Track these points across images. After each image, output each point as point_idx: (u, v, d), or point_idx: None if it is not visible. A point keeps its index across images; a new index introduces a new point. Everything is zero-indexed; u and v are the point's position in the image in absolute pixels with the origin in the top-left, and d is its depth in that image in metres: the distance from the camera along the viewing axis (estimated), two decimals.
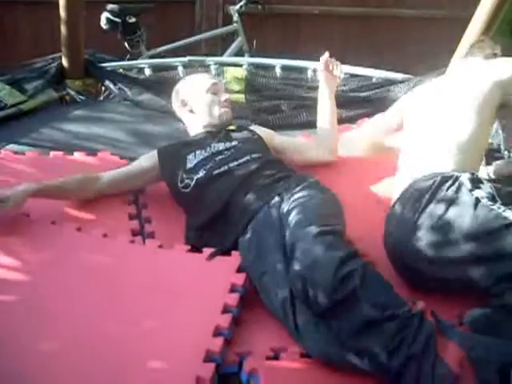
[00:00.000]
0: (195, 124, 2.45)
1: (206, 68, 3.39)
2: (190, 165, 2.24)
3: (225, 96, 2.47)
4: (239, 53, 4.46)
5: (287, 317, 1.69)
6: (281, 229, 1.86)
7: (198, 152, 2.27)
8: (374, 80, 3.28)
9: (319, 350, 1.63)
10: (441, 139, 2.11)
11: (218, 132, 2.38)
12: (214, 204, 2.10)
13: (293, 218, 1.82)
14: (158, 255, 1.99)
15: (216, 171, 2.17)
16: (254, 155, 2.23)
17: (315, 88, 2.75)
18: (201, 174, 2.18)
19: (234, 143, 2.31)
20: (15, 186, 2.10)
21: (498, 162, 2.61)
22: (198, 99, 2.45)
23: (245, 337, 1.72)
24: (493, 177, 2.51)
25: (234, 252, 1.94)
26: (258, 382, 1.56)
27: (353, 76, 3.34)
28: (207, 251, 1.96)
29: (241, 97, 3.23)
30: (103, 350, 1.63)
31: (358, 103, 3.18)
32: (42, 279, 1.86)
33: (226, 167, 2.18)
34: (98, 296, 1.81)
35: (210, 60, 3.46)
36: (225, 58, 4.00)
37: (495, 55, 2.40)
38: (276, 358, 1.66)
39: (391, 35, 5.09)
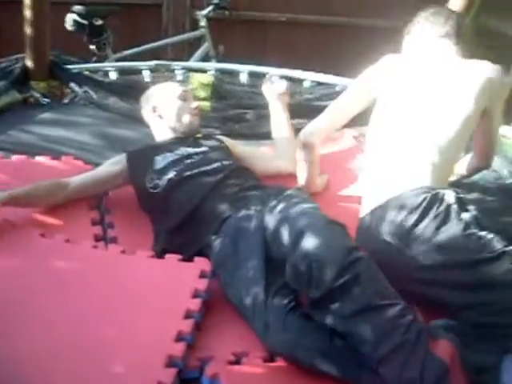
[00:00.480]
0: (164, 130, 2.47)
1: (172, 73, 3.39)
2: (158, 166, 2.25)
3: (194, 104, 2.51)
4: (206, 58, 4.48)
5: (257, 315, 1.71)
6: (261, 231, 1.87)
7: (167, 154, 2.28)
8: (337, 88, 3.31)
9: (288, 350, 1.65)
10: (423, 138, 2.03)
11: (186, 138, 2.40)
12: (184, 207, 2.11)
13: (293, 215, 1.81)
14: (121, 261, 1.99)
15: (187, 173, 2.19)
16: (224, 162, 2.27)
17: None
18: (171, 174, 2.20)
19: (203, 149, 2.34)
20: None
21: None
22: (168, 105, 2.47)
23: (207, 342, 1.73)
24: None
25: (196, 258, 1.95)
26: None
27: (318, 84, 3.37)
28: (170, 257, 1.97)
29: (206, 104, 3.20)
30: (64, 354, 1.62)
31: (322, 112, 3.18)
32: (4, 284, 1.85)
33: (196, 170, 2.20)
34: (60, 301, 1.80)
35: (177, 65, 3.46)
36: (191, 63, 4.00)
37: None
38: (238, 362, 1.68)
39: (356, 44, 5.16)
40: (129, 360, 1.60)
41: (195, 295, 1.80)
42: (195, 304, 1.77)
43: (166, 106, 2.48)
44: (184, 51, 4.79)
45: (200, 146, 2.36)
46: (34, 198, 2.24)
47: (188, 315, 1.73)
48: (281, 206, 1.87)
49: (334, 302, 1.62)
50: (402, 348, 1.55)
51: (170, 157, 2.27)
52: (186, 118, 2.45)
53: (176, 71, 3.39)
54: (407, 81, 2.17)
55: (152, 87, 2.67)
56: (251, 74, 3.44)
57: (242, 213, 1.99)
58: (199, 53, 4.53)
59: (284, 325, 1.67)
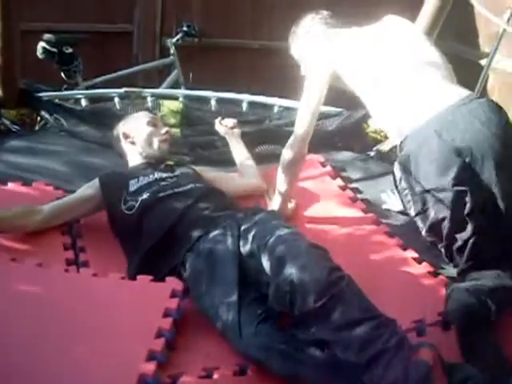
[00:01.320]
0: (135, 155, 2.54)
1: (142, 99, 3.43)
2: (132, 188, 2.31)
3: (164, 129, 2.60)
4: (176, 85, 4.52)
5: (230, 322, 1.77)
6: (235, 249, 1.94)
7: (140, 178, 2.35)
8: None
9: (261, 355, 1.70)
10: (420, 67, 2.18)
11: (157, 164, 2.47)
12: (158, 229, 2.16)
13: (272, 242, 1.85)
14: (93, 283, 2.01)
15: (161, 194, 2.25)
16: (197, 184, 2.35)
17: (250, 122, 2.83)
18: (145, 195, 2.25)
19: (176, 173, 2.41)
20: None
21: None
22: (139, 131, 2.56)
23: (178, 360, 1.75)
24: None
25: (168, 278, 1.98)
26: None
27: (287, 109, 3.42)
28: (141, 278, 2.00)
29: (176, 131, 3.25)
30: (36, 377, 1.63)
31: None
32: None
33: (170, 191, 2.26)
34: (32, 324, 1.80)
35: (147, 92, 3.50)
36: (161, 90, 4.06)
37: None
38: (209, 377, 1.70)
39: None
40: (101, 379, 1.62)
41: (166, 314, 1.82)
42: (166, 323, 1.79)
43: (137, 132, 2.56)
44: (154, 78, 4.84)
45: (172, 171, 2.43)
46: (4, 222, 2.25)
47: (159, 334, 1.75)
48: (256, 230, 1.95)
49: (317, 320, 1.68)
50: (385, 353, 1.59)
51: (143, 180, 2.33)
52: (156, 143, 2.52)
53: (147, 98, 3.43)
54: (372, 37, 2.34)
55: (124, 117, 2.75)
56: (220, 101, 3.50)
57: (216, 232, 2.05)
58: (169, 80, 4.57)
59: (256, 330, 1.73)
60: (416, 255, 2.32)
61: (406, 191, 2.11)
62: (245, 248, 1.94)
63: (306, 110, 2.37)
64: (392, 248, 2.38)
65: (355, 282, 1.76)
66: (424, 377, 1.54)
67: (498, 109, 2.07)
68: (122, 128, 2.62)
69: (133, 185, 2.32)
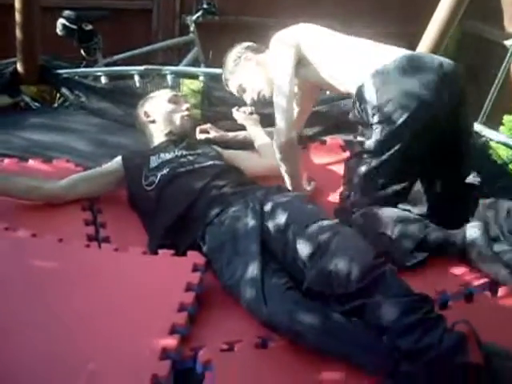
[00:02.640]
0: (157, 133, 2.54)
1: (162, 78, 3.41)
2: (153, 164, 2.31)
3: (185, 105, 2.59)
4: (195, 63, 4.49)
5: (255, 290, 1.75)
6: (259, 223, 1.94)
7: (161, 154, 2.35)
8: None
9: (285, 322, 1.67)
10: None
11: (180, 141, 2.46)
12: (179, 203, 2.15)
13: (312, 229, 1.86)
14: (114, 258, 2.01)
15: (181, 169, 2.25)
16: (217, 161, 2.34)
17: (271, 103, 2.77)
18: (165, 171, 2.25)
19: (197, 151, 2.40)
20: None
21: None
22: (160, 108, 2.56)
23: (200, 333, 1.75)
24: None
25: (189, 252, 1.98)
26: (212, 372, 1.59)
27: None
28: (163, 253, 1.99)
29: (197, 112, 3.19)
30: (61, 350, 1.64)
31: (319, 119, 3.14)
32: None
33: (190, 167, 2.26)
34: (55, 300, 1.81)
35: (167, 69, 3.48)
36: (181, 68, 4.01)
37: None
38: (231, 350, 1.70)
39: None
40: (123, 353, 1.62)
41: (188, 289, 1.82)
42: (188, 297, 1.79)
43: (158, 110, 2.56)
44: (174, 56, 4.82)
45: (194, 148, 2.42)
46: (14, 183, 2.28)
47: (181, 308, 1.75)
48: (290, 212, 1.94)
49: (358, 297, 1.68)
50: (425, 321, 1.59)
51: (164, 156, 2.34)
52: (178, 120, 2.52)
53: (167, 76, 3.40)
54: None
55: (144, 96, 2.75)
56: None
57: (237, 207, 2.05)
58: (189, 58, 4.55)
59: (282, 297, 1.72)
60: None
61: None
62: (272, 224, 1.93)
63: (280, 96, 2.37)
64: None
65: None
66: (458, 344, 1.54)
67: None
68: (143, 107, 2.63)
69: (153, 161, 2.32)
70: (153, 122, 2.56)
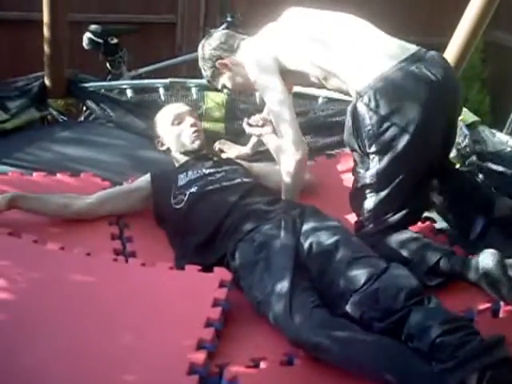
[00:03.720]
0: (178, 156, 2.57)
1: (186, 91, 3.42)
2: (181, 182, 2.32)
3: (189, 120, 2.57)
4: None
5: (283, 305, 1.75)
6: (294, 242, 1.95)
7: (189, 172, 2.36)
8: None
9: (312, 339, 1.68)
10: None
11: (205, 158, 2.48)
12: (209, 223, 2.16)
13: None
14: (141, 272, 2.03)
15: (209, 187, 2.26)
16: (245, 179, 2.33)
17: (298, 114, 2.75)
18: (193, 189, 2.26)
19: (224, 168, 2.40)
20: None
21: None
22: (167, 136, 2.60)
23: (226, 349, 1.76)
24: None
25: (216, 268, 1.99)
26: None
27: (331, 101, 3.34)
28: (190, 268, 2.01)
29: (220, 126, 3.21)
30: (89, 364, 1.66)
31: (332, 129, 3.12)
32: (26, 298, 1.88)
33: (218, 185, 2.27)
34: (82, 313, 1.84)
35: (191, 82, 3.50)
36: (206, 80, 4.04)
37: None
38: (256, 366, 1.71)
39: None
40: (152, 368, 1.64)
41: (215, 304, 1.83)
42: (215, 313, 1.80)
43: (167, 138, 2.59)
44: (198, 69, 4.82)
45: (221, 166, 2.42)
46: (48, 202, 2.30)
47: (208, 324, 1.77)
48: (332, 236, 1.95)
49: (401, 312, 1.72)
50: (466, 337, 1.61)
51: (192, 174, 2.35)
52: (187, 141, 2.53)
53: (191, 89, 3.42)
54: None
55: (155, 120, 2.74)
56: None
57: (269, 225, 2.04)
58: None
59: (310, 313, 1.72)
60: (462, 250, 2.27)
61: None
62: (314, 243, 1.95)
63: (280, 107, 2.30)
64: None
65: None
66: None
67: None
68: (155, 136, 2.67)
69: (181, 179, 2.34)
70: (168, 149, 2.60)
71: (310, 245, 1.94)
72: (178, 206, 2.26)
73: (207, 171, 2.36)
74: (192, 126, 2.54)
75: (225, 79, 2.54)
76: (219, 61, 2.48)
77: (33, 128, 3.26)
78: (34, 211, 2.29)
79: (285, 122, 2.30)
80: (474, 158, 2.88)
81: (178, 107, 2.72)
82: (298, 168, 2.30)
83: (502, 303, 1.97)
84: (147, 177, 2.45)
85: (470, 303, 1.98)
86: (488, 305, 1.97)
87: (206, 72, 2.57)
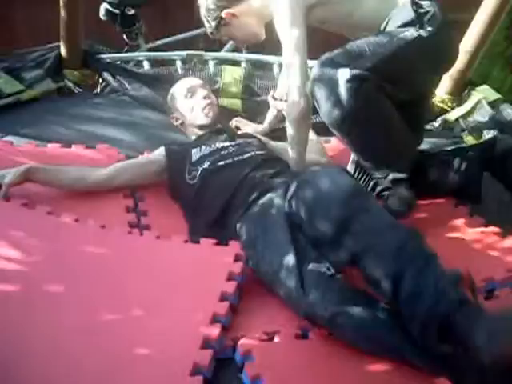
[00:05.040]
0: (192, 130, 2.55)
1: (204, 64, 3.38)
2: (195, 158, 2.29)
3: (202, 92, 2.54)
4: (237, 51, 4.45)
5: (295, 280, 1.71)
6: (283, 211, 1.88)
7: (202, 147, 2.33)
8: None
9: (326, 313, 1.64)
10: None
11: (219, 132, 2.45)
12: (219, 200, 2.13)
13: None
14: (156, 245, 2.02)
15: (221, 163, 2.22)
16: (258, 152, 2.29)
17: None
18: (206, 165, 2.23)
19: (238, 141, 2.37)
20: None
21: None
22: (181, 109, 2.57)
23: (240, 323, 1.74)
24: None
25: (231, 242, 1.97)
26: (252, 362, 1.59)
27: None
28: (205, 241, 1.99)
29: (237, 103, 3.18)
30: (102, 336, 1.65)
31: None
32: (39, 269, 1.87)
33: (230, 160, 2.23)
34: (97, 285, 1.82)
35: (209, 55, 3.46)
36: (223, 54, 3.99)
37: None
38: (270, 340, 1.69)
39: None
40: (165, 342, 1.62)
41: (230, 278, 1.81)
42: (230, 287, 1.78)
43: (180, 112, 2.57)
44: (215, 42, 4.77)
45: (234, 139, 2.40)
46: (64, 175, 2.28)
47: (223, 298, 1.75)
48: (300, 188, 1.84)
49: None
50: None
51: (205, 149, 2.32)
52: (199, 114, 2.50)
53: (209, 62, 3.38)
54: None
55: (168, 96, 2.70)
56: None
57: (267, 196, 2.01)
58: (231, 43, 4.51)
59: (323, 288, 1.68)
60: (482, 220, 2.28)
61: None
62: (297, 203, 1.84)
63: (290, 52, 2.15)
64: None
65: None
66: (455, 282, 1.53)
67: None
68: (170, 112, 2.65)
69: (195, 154, 2.31)
70: (182, 124, 2.58)
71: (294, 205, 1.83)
72: (191, 182, 2.24)
73: (220, 145, 2.32)
74: (205, 98, 2.52)
75: (229, 30, 2.42)
76: (225, 10, 2.37)
77: (48, 99, 3.23)
78: (48, 184, 2.27)
79: (290, 65, 2.19)
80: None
81: (191, 81, 2.70)
82: (300, 114, 2.19)
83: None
84: (162, 150, 2.42)
85: (491, 273, 1.96)
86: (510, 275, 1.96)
87: (210, 23, 2.46)
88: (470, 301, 1.53)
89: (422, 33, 2.02)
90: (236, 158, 2.24)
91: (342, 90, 1.94)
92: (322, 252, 1.75)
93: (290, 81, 2.19)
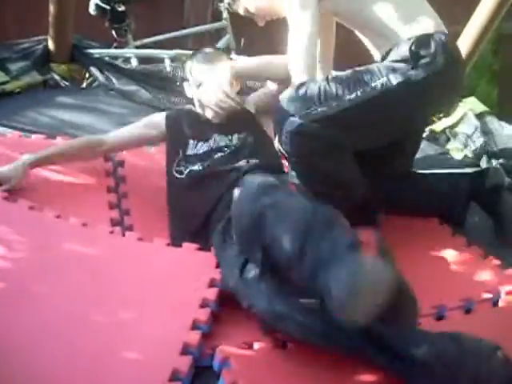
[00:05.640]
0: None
1: None
2: (188, 151, 2.22)
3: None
4: (226, 51, 4.44)
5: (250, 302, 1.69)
6: None
7: (199, 144, 2.23)
8: None
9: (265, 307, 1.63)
10: None
11: (223, 122, 2.30)
12: (203, 205, 2.07)
13: None
14: (138, 248, 1.99)
15: (210, 170, 2.14)
16: (251, 160, 2.16)
17: None
18: (195, 167, 2.17)
19: (234, 141, 2.24)
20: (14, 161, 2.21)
21: None
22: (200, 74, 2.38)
23: (220, 331, 1.72)
24: None
25: (213, 247, 1.94)
26: (229, 369, 1.57)
27: None
28: (187, 246, 1.97)
29: None
30: (80, 338, 1.61)
31: None
32: (19, 265, 1.84)
33: (221, 168, 2.14)
34: (76, 285, 1.79)
35: None
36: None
37: None
38: (249, 348, 1.67)
39: None
40: (144, 347, 1.60)
41: (212, 285, 1.79)
42: (211, 293, 1.76)
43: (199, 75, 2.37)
44: (205, 42, 4.77)
45: (233, 133, 2.25)
46: (66, 156, 2.33)
47: (204, 304, 1.73)
48: None
49: None
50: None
51: (200, 148, 2.22)
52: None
53: None
54: None
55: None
56: None
57: None
58: (220, 45, 4.50)
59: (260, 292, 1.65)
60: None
61: None
62: None
63: (298, 35, 2.05)
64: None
65: None
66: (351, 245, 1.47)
67: None
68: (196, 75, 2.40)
69: (190, 148, 2.23)
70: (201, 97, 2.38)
71: None
72: (177, 175, 2.18)
73: (216, 145, 2.22)
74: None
75: (248, 2, 2.32)
76: None
77: (34, 91, 3.21)
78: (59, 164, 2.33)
79: (295, 49, 2.07)
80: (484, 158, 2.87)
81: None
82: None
83: (502, 294, 1.96)
84: (162, 124, 2.37)
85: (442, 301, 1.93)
86: (461, 303, 1.93)
87: None
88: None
89: (412, 75, 1.95)
90: (227, 167, 2.13)
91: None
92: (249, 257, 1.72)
93: (292, 64, 2.09)
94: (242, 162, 2.16)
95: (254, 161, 2.17)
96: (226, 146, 2.22)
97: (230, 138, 2.26)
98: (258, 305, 1.65)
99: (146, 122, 2.41)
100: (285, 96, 1.99)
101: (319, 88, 1.95)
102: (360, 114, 1.94)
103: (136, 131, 2.40)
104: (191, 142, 2.25)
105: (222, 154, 2.20)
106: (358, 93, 1.93)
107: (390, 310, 1.41)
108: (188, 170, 2.17)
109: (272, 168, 2.16)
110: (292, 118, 1.92)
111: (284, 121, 1.94)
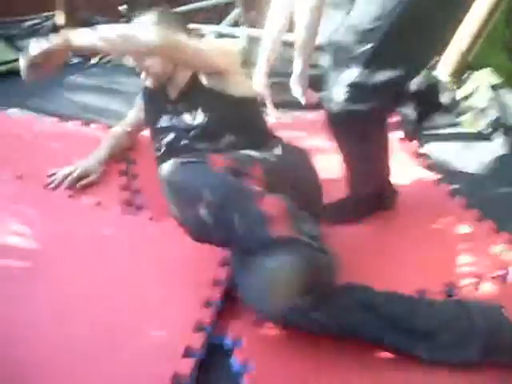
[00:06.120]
0: None
1: (202, 37, 3.35)
2: (162, 123, 2.02)
3: None
4: (237, 24, 4.41)
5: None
6: None
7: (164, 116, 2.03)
8: None
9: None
10: None
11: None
12: None
13: None
14: (149, 227, 2.00)
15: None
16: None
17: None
18: (169, 138, 1.98)
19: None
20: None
21: None
22: None
23: (232, 308, 1.73)
24: None
25: None
26: (242, 347, 1.59)
27: None
28: None
29: None
30: (93, 316, 1.64)
31: None
32: (35, 244, 1.86)
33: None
34: (90, 264, 1.82)
35: (207, 29, 3.42)
36: (222, 28, 3.94)
37: None
38: (261, 326, 1.67)
39: None
40: (158, 324, 1.62)
41: (223, 263, 1.81)
42: (223, 272, 1.78)
43: None
44: (215, 16, 4.73)
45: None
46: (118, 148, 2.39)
47: (216, 282, 1.74)
48: None
49: None
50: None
51: (163, 121, 2.03)
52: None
53: (207, 35, 3.35)
54: None
55: None
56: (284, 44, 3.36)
57: None
58: (230, 18, 4.46)
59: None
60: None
61: None
62: None
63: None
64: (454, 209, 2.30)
65: None
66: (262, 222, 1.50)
67: None
68: None
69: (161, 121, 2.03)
70: None
71: None
72: (157, 154, 2.02)
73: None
74: None
75: None
76: None
77: None
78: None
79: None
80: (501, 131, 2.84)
81: None
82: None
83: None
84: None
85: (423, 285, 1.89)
86: (443, 288, 1.89)
87: None
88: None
89: None
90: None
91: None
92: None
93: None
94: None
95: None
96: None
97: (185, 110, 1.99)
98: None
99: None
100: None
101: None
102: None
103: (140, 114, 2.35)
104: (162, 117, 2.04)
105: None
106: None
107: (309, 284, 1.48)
108: (164, 147, 1.99)
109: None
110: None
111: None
